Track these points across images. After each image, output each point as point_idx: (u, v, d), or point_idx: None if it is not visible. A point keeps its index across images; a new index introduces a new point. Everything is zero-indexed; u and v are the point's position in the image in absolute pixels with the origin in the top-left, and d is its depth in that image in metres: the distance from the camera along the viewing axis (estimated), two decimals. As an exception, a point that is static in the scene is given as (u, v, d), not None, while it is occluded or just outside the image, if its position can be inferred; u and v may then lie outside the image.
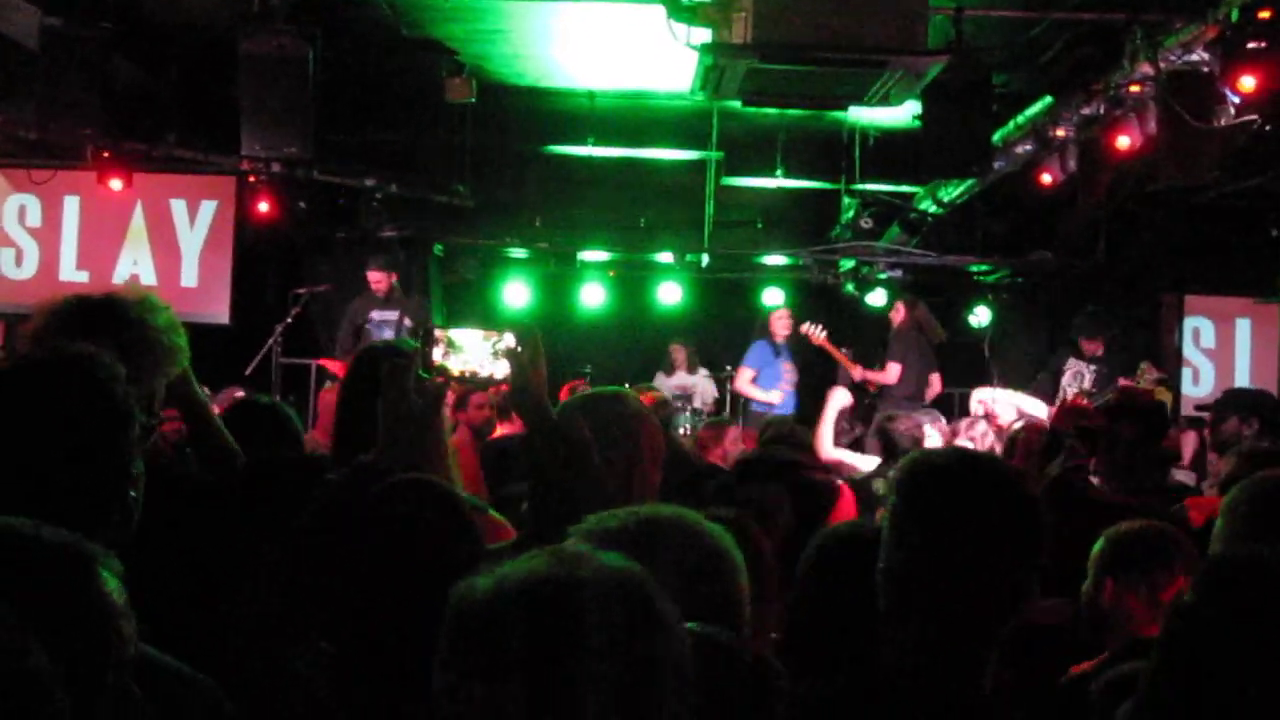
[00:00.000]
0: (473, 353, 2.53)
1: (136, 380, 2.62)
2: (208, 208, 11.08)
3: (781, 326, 11.41)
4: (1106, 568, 3.15)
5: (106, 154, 9.40)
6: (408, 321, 10.30)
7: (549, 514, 2.33)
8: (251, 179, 10.04)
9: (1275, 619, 1.55)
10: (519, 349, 2.49)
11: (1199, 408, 7.36)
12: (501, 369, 2.52)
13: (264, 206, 10.11)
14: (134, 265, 11.03)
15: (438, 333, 2.53)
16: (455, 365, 2.52)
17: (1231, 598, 1.59)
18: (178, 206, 11.08)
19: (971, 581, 1.91)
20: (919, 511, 1.99)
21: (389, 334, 10.27)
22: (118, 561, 1.60)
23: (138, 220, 11.04)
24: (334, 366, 10.22)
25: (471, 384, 2.56)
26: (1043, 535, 2.00)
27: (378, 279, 10.42)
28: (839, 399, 7.42)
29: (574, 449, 2.43)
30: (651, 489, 2.82)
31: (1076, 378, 10.48)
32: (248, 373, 9.76)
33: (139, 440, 2.36)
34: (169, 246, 11.06)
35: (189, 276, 11.04)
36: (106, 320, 2.75)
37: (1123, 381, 9.78)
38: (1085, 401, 8.58)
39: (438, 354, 2.52)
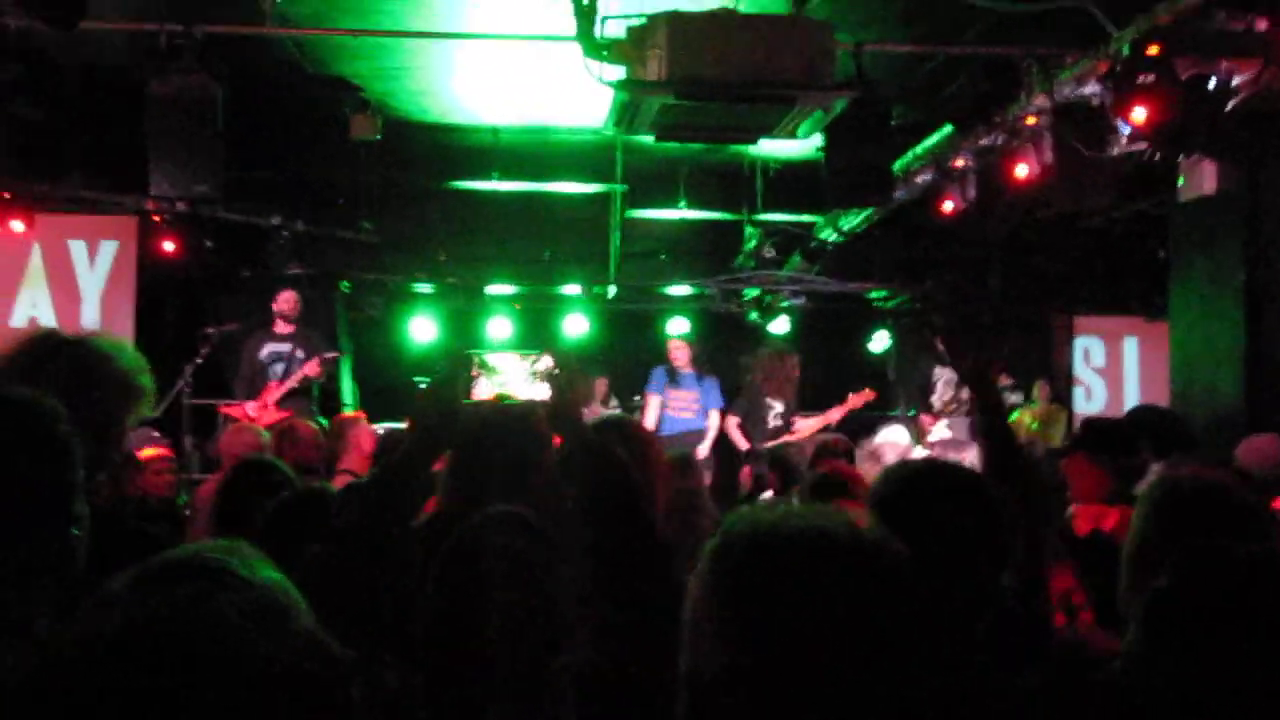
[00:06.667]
0: (509, 375, 2.62)
1: (105, 420, 2.65)
2: (108, 248, 10.93)
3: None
4: None
5: (7, 195, 9.24)
6: (299, 354, 10.23)
7: (597, 529, 2.43)
8: (155, 218, 9.93)
9: (1240, 599, 1.85)
10: (557, 371, 2.59)
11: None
12: (540, 391, 2.60)
13: (169, 246, 10.00)
14: (33, 307, 10.83)
15: (473, 356, 2.60)
16: (490, 389, 2.60)
17: (1203, 581, 1.88)
18: (76, 247, 10.92)
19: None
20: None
21: (280, 367, 10.21)
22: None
23: (35, 262, 10.85)
24: (236, 412, 10.13)
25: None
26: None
27: (289, 298, 10.38)
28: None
29: (613, 466, 2.53)
30: (665, 499, 3.01)
31: (949, 386, 10.83)
32: (157, 414, 9.61)
33: (85, 481, 2.38)
34: (68, 288, 10.88)
35: (90, 317, 10.85)
36: (75, 359, 2.75)
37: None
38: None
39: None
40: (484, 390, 2.64)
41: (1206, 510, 2.49)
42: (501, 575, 2.20)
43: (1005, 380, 10.50)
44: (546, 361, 2.69)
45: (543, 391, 2.60)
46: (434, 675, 2.19)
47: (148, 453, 7.41)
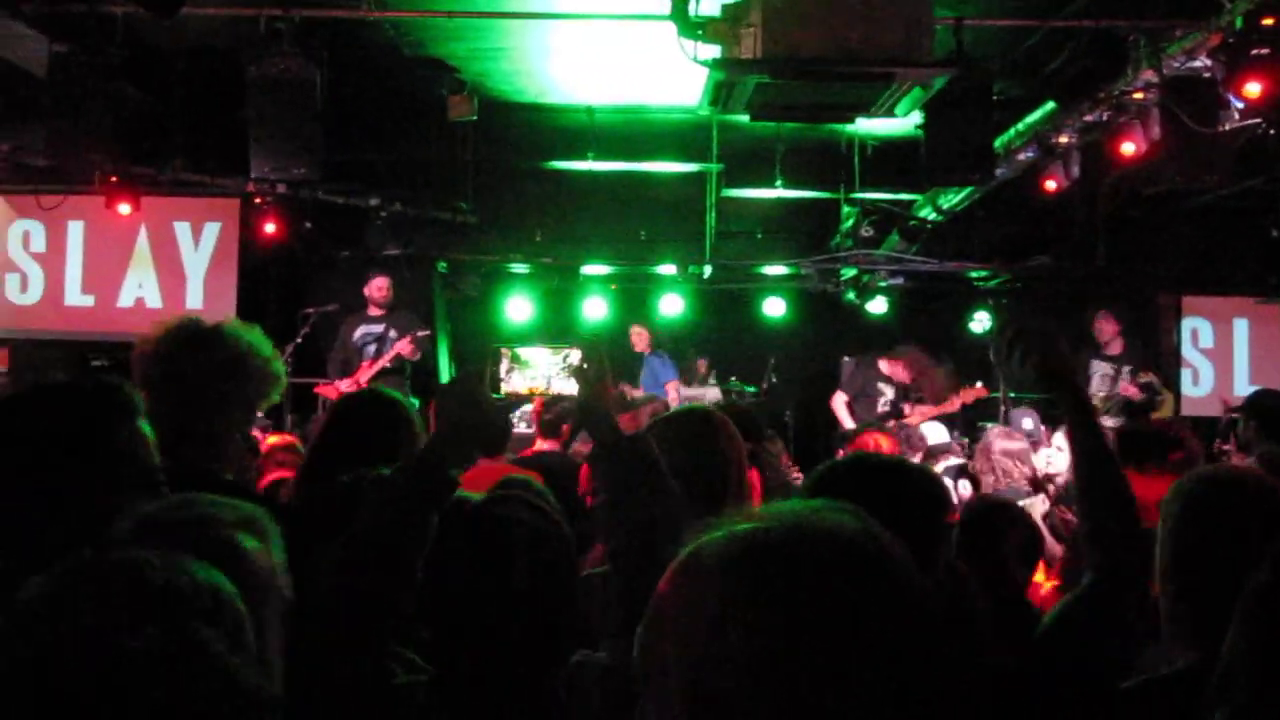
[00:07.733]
0: (540, 369, 2.57)
1: (241, 402, 2.98)
2: (211, 229, 11.15)
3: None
4: None
5: (114, 179, 9.44)
6: (392, 334, 10.33)
7: (623, 528, 2.37)
8: (257, 200, 10.09)
9: None
10: (585, 366, 2.51)
11: (1230, 409, 7.44)
12: (570, 386, 2.55)
13: (270, 227, 10.15)
14: (139, 288, 11.09)
15: (503, 350, 2.56)
16: (522, 383, 2.56)
17: None
18: (181, 229, 11.15)
19: None
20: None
21: (373, 349, 10.32)
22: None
23: (142, 243, 11.10)
24: (328, 391, 10.26)
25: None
26: None
27: (380, 284, 10.51)
28: None
29: (644, 464, 2.46)
30: (747, 489, 2.95)
31: (1105, 381, 10.50)
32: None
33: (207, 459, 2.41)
34: (174, 269, 11.12)
35: (194, 298, 11.09)
36: (215, 344, 3.00)
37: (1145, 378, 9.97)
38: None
39: (503, 372, 2.55)
40: (514, 384, 2.61)
41: (1233, 505, 2.39)
42: (519, 542, 2.15)
43: (1149, 376, 10.21)
44: (576, 355, 2.60)
45: (571, 386, 2.54)
46: (450, 665, 2.14)
47: (272, 440, 7.45)
